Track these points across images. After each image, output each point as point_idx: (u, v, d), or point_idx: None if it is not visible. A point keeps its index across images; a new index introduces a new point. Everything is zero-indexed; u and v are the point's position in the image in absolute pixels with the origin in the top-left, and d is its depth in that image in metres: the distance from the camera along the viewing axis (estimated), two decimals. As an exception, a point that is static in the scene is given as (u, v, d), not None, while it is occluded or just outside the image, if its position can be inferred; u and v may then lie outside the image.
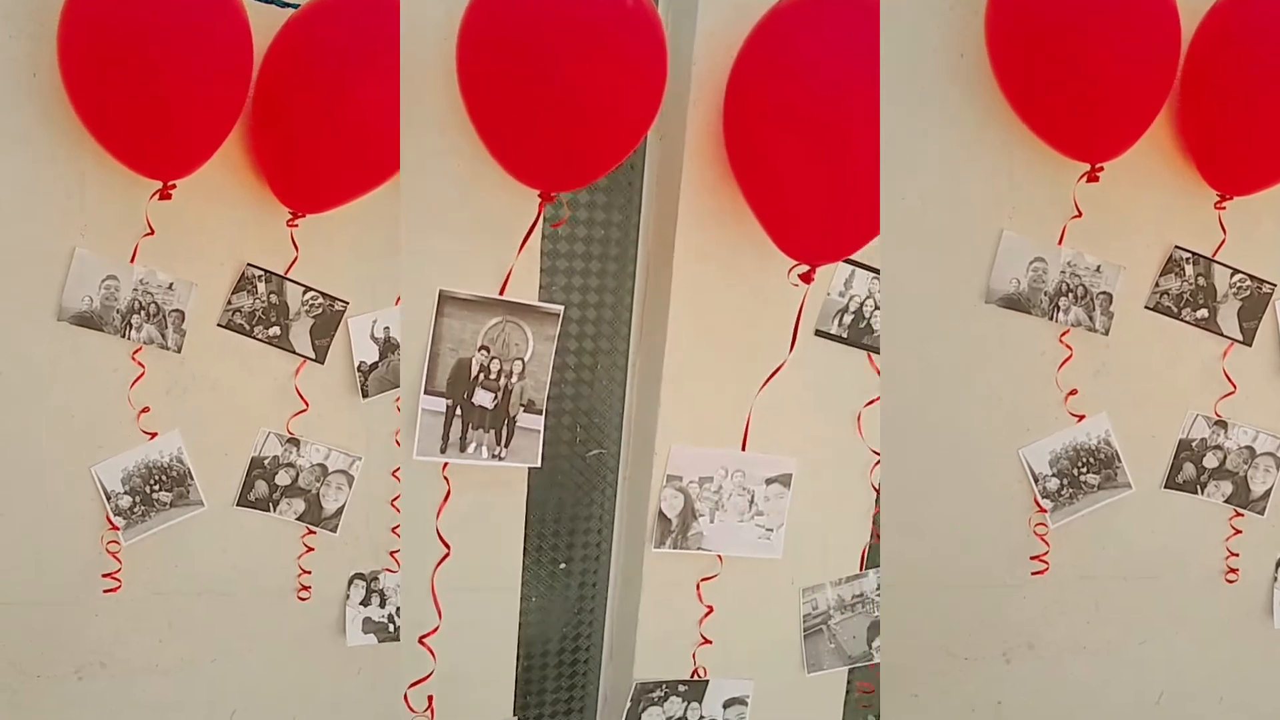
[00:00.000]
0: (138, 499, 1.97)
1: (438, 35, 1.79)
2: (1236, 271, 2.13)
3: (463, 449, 1.96)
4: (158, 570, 2.02)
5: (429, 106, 1.84)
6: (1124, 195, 2.03)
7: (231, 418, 2.06)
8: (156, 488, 1.99)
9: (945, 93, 1.96)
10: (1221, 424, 2.17)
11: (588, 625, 2.33)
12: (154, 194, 1.83)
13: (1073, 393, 2.09)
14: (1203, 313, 2.13)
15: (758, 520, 2.18)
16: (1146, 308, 2.12)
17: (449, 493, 1.97)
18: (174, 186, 1.82)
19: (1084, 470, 2.11)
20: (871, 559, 2.28)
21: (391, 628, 2.20)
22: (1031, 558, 2.11)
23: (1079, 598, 2.17)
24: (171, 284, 1.95)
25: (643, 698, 2.20)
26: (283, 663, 2.16)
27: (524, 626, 2.18)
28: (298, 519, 2.12)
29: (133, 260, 1.90)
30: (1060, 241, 2.04)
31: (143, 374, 1.94)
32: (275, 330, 2.05)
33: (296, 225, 1.99)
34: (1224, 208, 2.05)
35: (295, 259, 2.03)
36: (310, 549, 2.14)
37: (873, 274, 2.13)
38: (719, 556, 2.17)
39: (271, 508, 2.10)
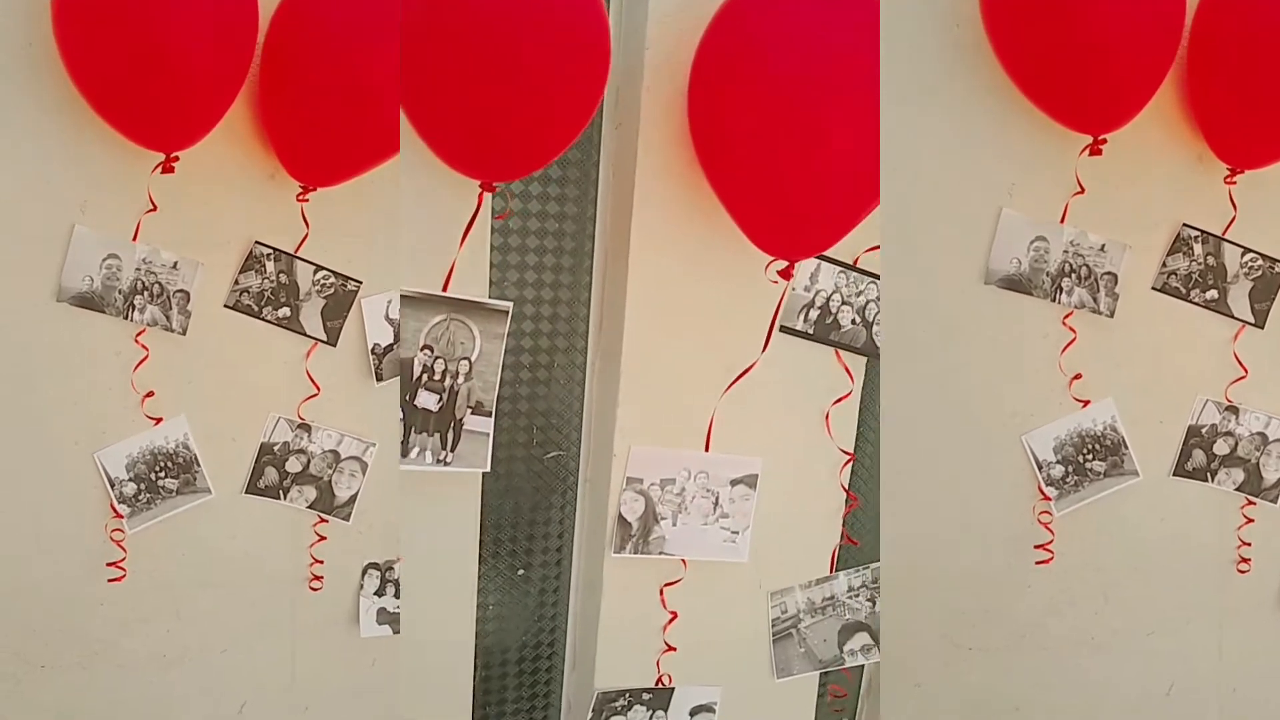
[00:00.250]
0: (143, 486, 1.83)
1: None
2: (1248, 250, 1.97)
3: (405, 454, 1.78)
4: (164, 559, 1.87)
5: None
6: (1129, 170, 1.88)
7: (239, 402, 1.90)
8: (162, 475, 1.84)
9: (940, 63, 1.81)
10: (1232, 409, 2.01)
11: (549, 633, 2.15)
12: (156, 167, 1.68)
13: (1077, 377, 1.93)
14: (1212, 294, 1.98)
15: (723, 523, 1.99)
16: (1153, 289, 1.97)
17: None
18: (176, 159, 1.67)
19: (1090, 457, 1.96)
20: (842, 560, 2.11)
21: (406, 619, 2.06)
22: (1036, 547, 1.96)
23: (1086, 588, 2.02)
24: (176, 263, 1.79)
25: (605, 707, 2.01)
26: (294, 654, 2.00)
27: (482, 635, 2.02)
28: (309, 507, 1.96)
29: (135, 238, 1.75)
30: (1062, 219, 1.89)
31: (146, 357, 1.79)
32: (285, 311, 1.89)
33: (307, 200, 1.83)
34: (1234, 182, 1.89)
35: (306, 236, 1.87)
36: (322, 538, 1.98)
37: (840, 268, 1.96)
38: (683, 561, 1.99)
39: (282, 495, 1.94)
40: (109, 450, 1.80)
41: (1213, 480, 2.03)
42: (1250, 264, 1.98)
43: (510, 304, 1.82)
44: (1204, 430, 2.01)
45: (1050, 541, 1.96)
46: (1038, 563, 1.96)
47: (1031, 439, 1.95)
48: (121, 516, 1.82)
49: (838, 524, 2.09)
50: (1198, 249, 1.96)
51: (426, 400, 1.77)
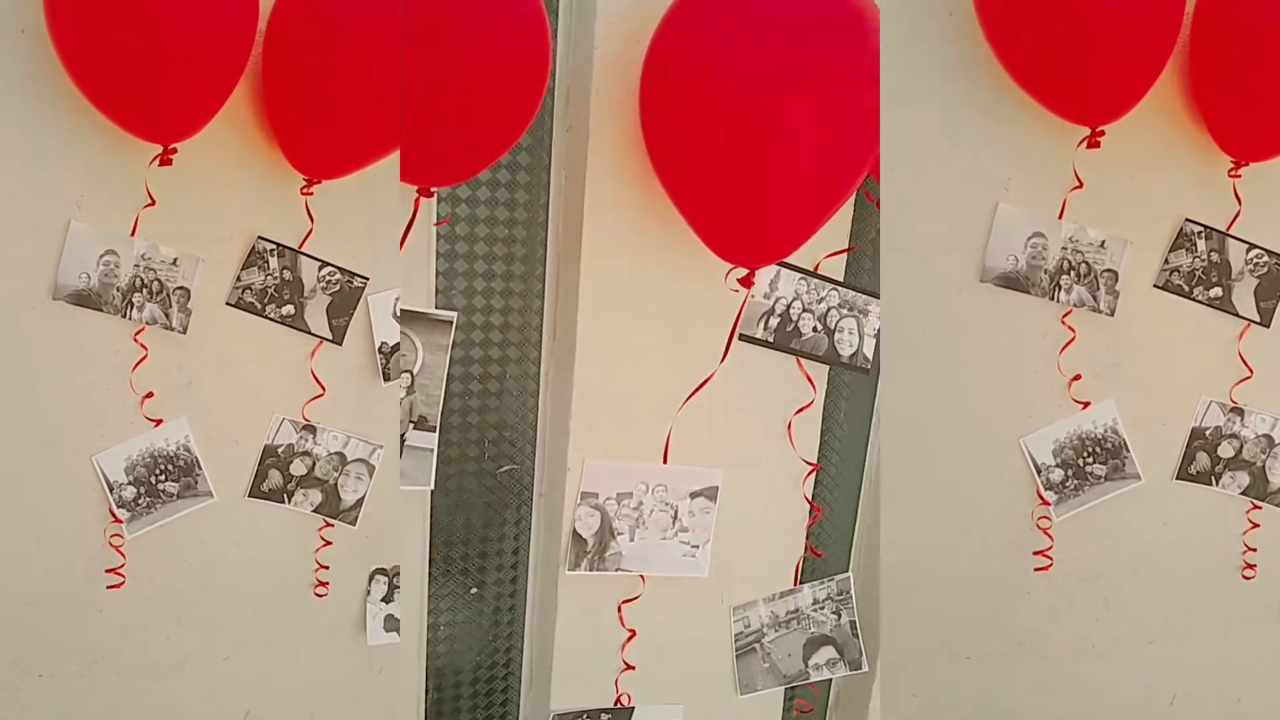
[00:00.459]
0: (142, 490, 1.70)
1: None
2: (1253, 246, 1.83)
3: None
4: (165, 565, 1.75)
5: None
6: (1129, 163, 1.75)
7: (242, 403, 1.77)
8: (162, 478, 1.71)
9: (932, 53, 1.67)
10: (1237, 411, 1.86)
11: (504, 653, 1.99)
12: (154, 159, 1.55)
13: (1076, 378, 1.79)
14: (1216, 291, 1.83)
15: (682, 537, 1.84)
16: (1155, 286, 1.83)
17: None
18: (175, 151, 1.54)
19: (1090, 460, 1.82)
20: (806, 573, 1.96)
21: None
22: (1035, 553, 1.82)
23: (1087, 594, 1.88)
24: (176, 259, 1.67)
25: None
26: (300, 661, 1.86)
27: (434, 656, 1.87)
28: (314, 510, 1.83)
29: (133, 233, 1.63)
30: (1061, 215, 1.76)
31: (145, 356, 1.66)
32: (289, 309, 1.76)
33: (311, 194, 1.70)
34: (1239, 176, 1.75)
35: (310, 231, 1.74)
36: (328, 543, 1.84)
37: (800, 274, 1.82)
38: (641, 577, 1.84)
39: (286, 499, 1.81)
40: (107, 453, 1.68)
41: (1217, 484, 1.89)
42: (1255, 260, 1.84)
43: (455, 314, 1.69)
44: (1208, 432, 1.87)
45: (1049, 547, 1.83)
46: (1037, 569, 1.83)
47: (1030, 442, 1.81)
48: (121, 521, 1.70)
49: (801, 536, 1.95)
50: (1201, 245, 1.83)
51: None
